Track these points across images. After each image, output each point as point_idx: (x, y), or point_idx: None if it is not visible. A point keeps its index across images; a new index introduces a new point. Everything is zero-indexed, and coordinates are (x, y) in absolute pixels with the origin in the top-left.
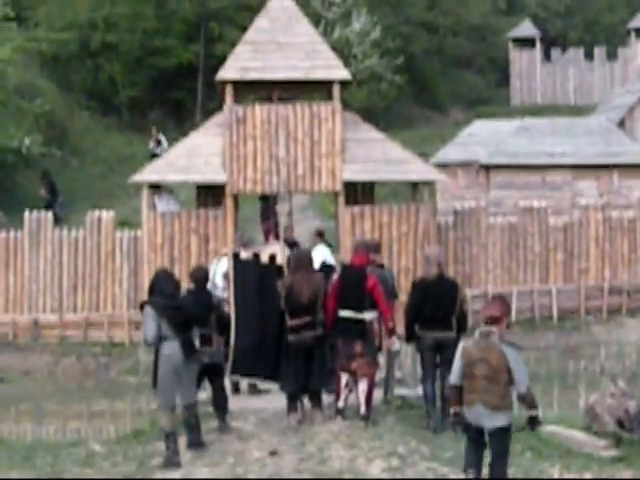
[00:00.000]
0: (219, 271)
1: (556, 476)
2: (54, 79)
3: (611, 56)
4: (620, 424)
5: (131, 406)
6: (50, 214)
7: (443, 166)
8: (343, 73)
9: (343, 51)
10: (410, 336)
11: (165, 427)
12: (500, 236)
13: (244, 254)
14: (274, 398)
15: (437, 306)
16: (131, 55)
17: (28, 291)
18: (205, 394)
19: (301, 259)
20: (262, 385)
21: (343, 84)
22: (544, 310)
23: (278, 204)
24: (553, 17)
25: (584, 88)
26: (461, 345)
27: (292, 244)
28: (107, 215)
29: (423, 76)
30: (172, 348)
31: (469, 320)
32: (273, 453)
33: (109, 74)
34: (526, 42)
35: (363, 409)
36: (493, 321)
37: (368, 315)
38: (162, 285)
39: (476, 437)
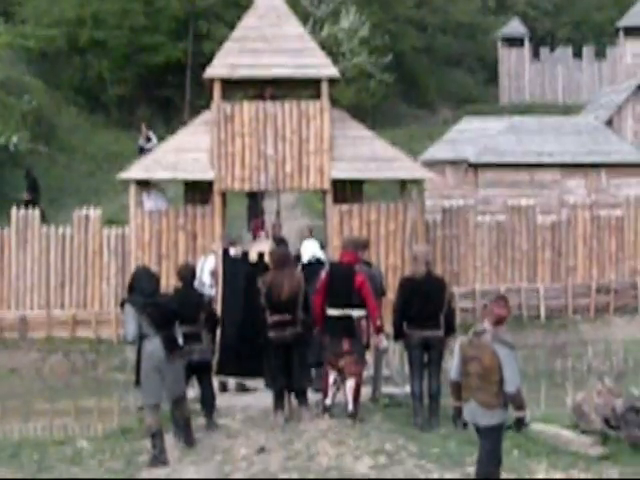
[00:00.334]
0: (206, 268)
1: (543, 474)
2: (41, 76)
3: (600, 55)
4: (607, 422)
5: (118, 403)
6: (37, 212)
7: (431, 164)
8: (331, 71)
9: (332, 49)
10: (398, 334)
11: (150, 426)
12: (488, 234)
13: (232, 251)
14: (261, 396)
15: (425, 304)
16: (119, 52)
17: (15, 288)
18: (193, 392)
19: (281, 257)
20: (249, 383)
21: (331, 82)
22: (532, 308)
23: (265, 201)
24: (542, 16)
25: (572, 87)
26: (458, 342)
27: (279, 241)
28: (94, 212)
29: (412, 74)
30: (153, 346)
31: (457, 318)
32: (260, 450)
33: (97, 71)
34: (515, 41)
35: (350, 407)
36: (501, 321)
37: (356, 313)
38: (142, 283)
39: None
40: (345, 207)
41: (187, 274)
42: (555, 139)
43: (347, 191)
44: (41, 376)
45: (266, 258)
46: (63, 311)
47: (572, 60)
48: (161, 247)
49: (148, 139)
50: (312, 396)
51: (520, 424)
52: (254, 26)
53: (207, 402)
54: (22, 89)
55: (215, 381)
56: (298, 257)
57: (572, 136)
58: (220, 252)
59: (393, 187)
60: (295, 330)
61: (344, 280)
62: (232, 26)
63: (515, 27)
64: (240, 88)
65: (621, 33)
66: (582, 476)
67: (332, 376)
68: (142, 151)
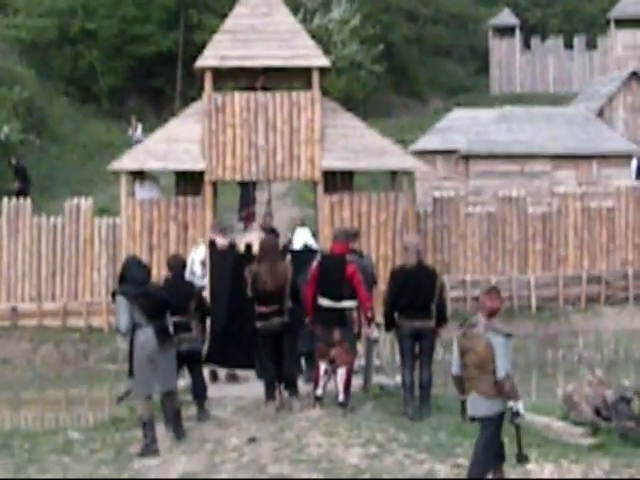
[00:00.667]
0: (197, 258)
1: (533, 464)
2: (33, 66)
3: (591, 45)
4: (597, 412)
5: (109, 393)
6: (29, 201)
7: (422, 155)
8: (322, 61)
9: (323, 39)
10: (389, 324)
11: (142, 415)
12: (479, 225)
13: (222, 241)
14: (252, 386)
15: (416, 294)
16: (110, 42)
17: (6, 278)
18: (183, 382)
19: (267, 247)
20: (240, 373)
21: (322, 72)
22: (523, 299)
23: (257, 191)
24: (533, 6)
25: (563, 77)
26: (455, 336)
27: (270, 231)
28: (86, 203)
29: (402, 64)
30: (146, 336)
31: (448, 308)
32: (251, 440)
33: (88, 61)
34: (506, 31)
35: (341, 396)
36: (494, 313)
37: (347, 303)
38: (133, 273)
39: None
40: (336, 197)
41: (177, 265)
42: (546, 129)
43: (338, 181)
44: (32, 366)
45: (255, 249)
46: (54, 301)
47: (563, 50)
48: (152, 237)
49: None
50: (303, 386)
51: (513, 414)
52: (245, 16)
53: (198, 392)
54: (13, 79)
55: (205, 371)
56: (287, 246)
57: (563, 126)
58: (208, 243)
59: (384, 177)
60: (282, 320)
61: (335, 271)
62: (223, 16)
63: (506, 17)
64: (231, 78)
65: (612, 24)
66: (573, 466)
67: (323, 366)
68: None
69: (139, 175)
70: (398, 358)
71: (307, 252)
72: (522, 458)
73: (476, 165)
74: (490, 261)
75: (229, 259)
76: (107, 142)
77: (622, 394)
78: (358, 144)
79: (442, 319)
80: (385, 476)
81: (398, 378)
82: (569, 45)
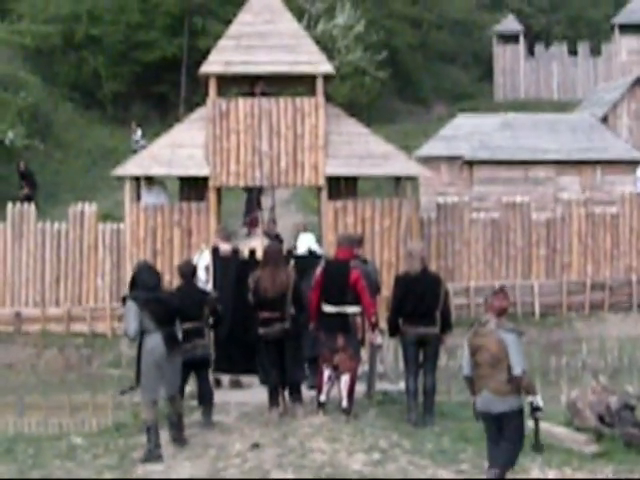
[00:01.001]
0: (201, 264)
1: (536, 472)
2: (38, 72)
3: (595, 52)
4: (601, 420)
5: (113, 399)
6: (33, 207)
7: (426, 161)
8: (326, 67)
9: (327, 45)
10: (393, 331)
11: (146, 420)
12: (483, 231)
13: (226, 247)
14: (256, 392)
15: (420, 301)
16: (115, 48)
17: (10, 284)
18: (189, 387)
19: (271, 253)
20: (244, 379)
21: (326, 78)
22: (526, 305)
23: (262, 196)
24: (537, 12)
25: (567, 84)
26: (466, 337)
27: (274, 237)
28: (90, 208)
29: (407, 71)
30: (155, 341)
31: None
32: (255, 446)
33: (92, 67)
34: (510, 37)
35: (345, 403)
36: (503, 312)
37: (351, 309)
38: (144, 278)
39: (491, 426)
40: (340, 203)
41: (188, 271)
42: (550, 136)
43: (342, 187)
44: (36, 371)
45: (259, 255)
46: (58, 306)
47: (567, 57)
48: (156, 243)
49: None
50: (307, 392)
51: (533, 409)
52: (249, 22)
53: (205, 399)
54: (18, 85)
55: (210, 377)
56: (290, 252)
57: (567, 133)
58: (211, 249)
59: (388, 183)
60: (283, 326)
61: (339, 276)
62: (227, 22)
63: (510, 24)
64: (235, 84)
65: (616, 30)
66: (576, 474)
67: (327, 372)
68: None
69: (148, 180)
70: (402, 364)
71: (311, 257)
72: (539, 448)
73: (480, 171)
74: (494, 267)
75: (233, 265)
76: (111, 148)
77: (626, 401)
78: (362, 150)
79: (446, 326)
80: None
81: (402, 384)
82: (573, 51)
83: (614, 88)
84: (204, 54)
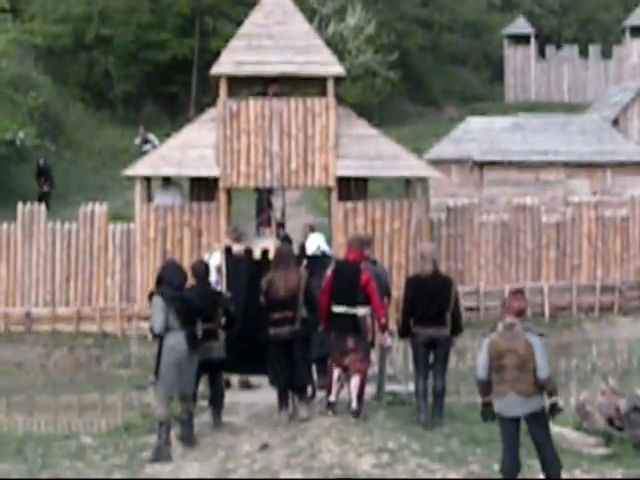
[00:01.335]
0: (212, 265)
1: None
2: (49, 72)
3: (606, 54)
4: (610, 422)
5: (122, 399)
6: (43, 207)
7: (436, 162)
8: (337, 68)
9: (337, 46)
10: (404, 332)
11: (160, 416)
12: (493, 233)
13: (236, 248)
14: (265, 392)
15: (431, 303)
16: (125, 49)
17: (21, 283)
18: (200, 388)
19: (282, 255)
20: (253, 379)
21: (337, 79)
22: (536, 307)
23: (272, 196)
24: (548, 14)
25: (578, 86)
26: (487, 340)
27: (283, 239)
28: (100, 208)
29: (417, 72)
30: (177, 339)
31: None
32: (264, 447)
33: (103, 67)
34: (521, 39)
35: (354, 404)
36: (521, 313)
37: (361, 310)
38: (170, 276)
39: (511, 429)
40: (350, 205)
41: (201, 271)
42: (560, 138)
43: (352, 189)
44: (46, 371)
45: (271, 255)
46: (68, 306)
47: (578, 59)
48: (166, 243)
49: (145, 141)
50: (317, 394)
51: (555, 409)
52: (260, 23)
53: (217, 400)
54: (29, 85)
55: None
56: (303, 250)
57: (577, 135)
58: (223, 249)
59: (398, 185)
60: (293, 328)
61: (350, 278)
62: (238, 23)
63: (521, 25)
64: (246, 85)
65: (627, 32)
66: (585, 476)
67: (336, 372)
68: (141, 154)
69: (164, 181)
70: (411, 366)
71: (321, 257)
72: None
73: (490, 173)
74: (504, 269)
75: (244, 265)
76: (122, 148)
77: (635, 404)
78: (372, 151)
79: (457, 328)
80: None
81: (411, 386)
82: (584, 54)
83: (625, 90)
84: (215, 55)
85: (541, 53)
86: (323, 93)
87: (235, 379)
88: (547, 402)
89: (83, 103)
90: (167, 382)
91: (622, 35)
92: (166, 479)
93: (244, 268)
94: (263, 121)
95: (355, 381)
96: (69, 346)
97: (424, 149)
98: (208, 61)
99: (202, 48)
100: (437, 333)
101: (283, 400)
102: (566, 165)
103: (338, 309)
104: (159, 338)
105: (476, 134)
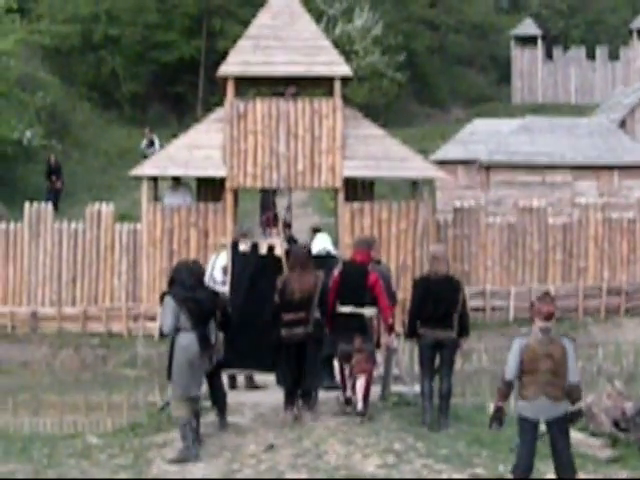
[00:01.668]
0: (218, 265)
1: (551, 476)
2: (56, 72)
3: (613, 56)
4: (616, 425)
5: (128, 398)
6: (50, 206)
7: (443, 164)
8: (344, 69)
9: (345, 47)
10: (411, 333)
11: (181, 417)
12: (499, 235)
13: (242, 244)
14: (271, 393)
15: (438, 305)
16: (133, 49)
17: (27, 283)
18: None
19: (298, 256)
20: (259, 380)
21: (344, 80)
22: None
23: (277, 199)
24: (555, 16)
25: (585, 87)
26: (522, 343)
27: (289, 240)
28: (107, 208)
29: (424, 73)
30: (189, 340)
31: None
32: (269, 448)
33: (111, 67)
34: (528, 41)
35: (360, 405)
36: (550, 317)
37: (368, 311)
38: (182, 276)
39: (533, 432)
40: (356, 205)
41: (197, 271)
42: (567, 140)
43: (359, 189)
44: (52, 370)
45: (276, 251)
46: (74, 306)
47: (585, 61)
48: (172, 243)
49: (151, 142)
50: (323, 393)
51: (578, 415)
52: (268, 24)
53: (219, 400)
54: (36, 85)
55: (224, 377)
56: (310, 251)
57: (584, 137)
58: (230, 245)
59: (404, 186)
60: (306, 330)
61: (357, 278)
62: (246, 24)
63: (528, 27)
64: (253, 86)
65: (634, 34)
66: (591, 477)
67: (347, 369)
68: (145, 157)
69: (174, 181)
70: (417, 367)
71: (325, 257)
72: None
73: (497, 175)
74: (510, 271)
75: (250, 259)
76: (129, 148)
77: None
78: (379, 152)
79: (464, 330)
80: None
81: (417, 387)
82: (591, 56)
83: (632, 92)
84: (222, 55)
85: (548, 55)
86: (330, 94)
87: (241, 379)
88: (570, 408)
89: (90, 103)
90: (181, 383)
91: (629, 37)
92: (172, 479)
93: (249, 262)
94: (270, 122)
95: (360, 382)
96: (75, 346)
97: (431, 150)
98: (215, 61)
99: (209, 48)
100: (444, 335)
101: (289, 400)
102: (573, 167)
103: (345, 309)
104: (170, 339)
105: (483, 136)
